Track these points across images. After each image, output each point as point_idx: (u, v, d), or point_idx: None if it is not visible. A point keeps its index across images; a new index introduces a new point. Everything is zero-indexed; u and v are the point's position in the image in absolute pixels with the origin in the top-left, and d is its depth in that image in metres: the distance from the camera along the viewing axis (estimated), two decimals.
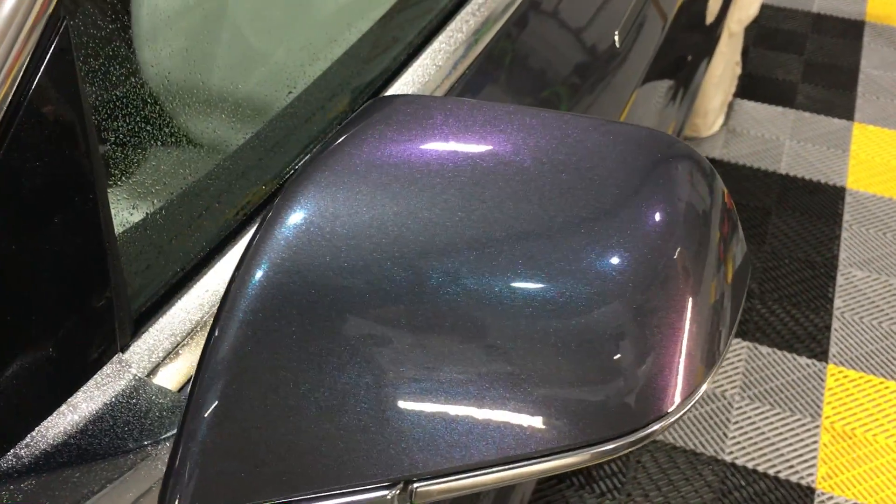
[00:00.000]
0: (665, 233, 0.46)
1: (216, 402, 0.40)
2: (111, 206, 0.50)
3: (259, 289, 0.40)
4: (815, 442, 1.86)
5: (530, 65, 0.92)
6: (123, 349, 0.51)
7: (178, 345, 0.54)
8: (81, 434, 0.47)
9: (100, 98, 0.52)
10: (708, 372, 0.48)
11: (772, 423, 1.90)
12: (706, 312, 0.47)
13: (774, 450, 1.84)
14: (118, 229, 0.54)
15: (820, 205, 2.46)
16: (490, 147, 0.44)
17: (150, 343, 0.53)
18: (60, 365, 0.48)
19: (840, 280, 2.22)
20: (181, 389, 0.52)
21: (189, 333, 0.54)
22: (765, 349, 2.05)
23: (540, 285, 0.43)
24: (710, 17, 2.01)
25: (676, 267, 0.46)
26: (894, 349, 2.04)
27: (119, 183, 0.54)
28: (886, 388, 1.96)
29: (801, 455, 1.83)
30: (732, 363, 2.02)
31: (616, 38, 1.08)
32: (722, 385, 1.96)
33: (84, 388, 0.49)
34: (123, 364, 0.51)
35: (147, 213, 0.55)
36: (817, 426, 1.89)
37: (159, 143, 0.57)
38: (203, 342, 0.55)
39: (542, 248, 0.43)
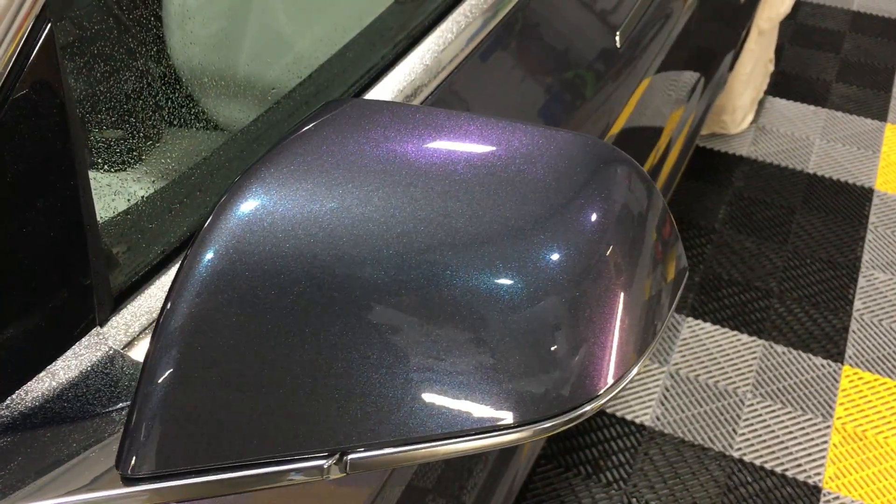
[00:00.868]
0: (598, 231, 0.49)
1: (168, 370, 0.45)
2: (95, 189, 0.55)
3: (206, 271, 0.44)
4: (825, 442, 1.86)
5: (529, 53, 0.95)
6: (102, 324, 0.56)
7: (153, 322, 0.58)
8: (57, 399, 0.52)
9: (84, 89, 0.57)
10: (638, 358, 0.51)
11: (782, 421, 1.91)
12: (639, 305, 0.51)
13: (783, 448, 1.85)
14: (102, 211, 0.58)
15: (846, 205, 2.45)
16: (427, 150, 0.48)
17: (128, 319, 0.57)
18: (41, 335, 0.53)
19: (861, 282, 2.21)
20: None
21: None
22: (780, 348, 2.05)
23: (472, 277, 0.47)
24: (735, 12, 2.01)
25: (608, 263, 0.49)
26: None
27: (103, 167, 0.59)
28: None
29: (809, 454, 1.84)
30: (746, 360, 2.03)
31: (624, 25, 1.10)
32: (734, 382, 1.97)
33: (63, 357, 0.54)
34: (101, 337, 0.55)
35: (130, 197, 0.60)
36: (828, 426, 1.89)
37: (145, 129, 0.62)
38: None
39: (472, 244, 0.46)
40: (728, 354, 2.05)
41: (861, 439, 1.87)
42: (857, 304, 2.16)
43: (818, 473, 1.81)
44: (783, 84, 2.91)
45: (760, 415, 1.92)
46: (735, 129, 2.64)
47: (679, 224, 2.36)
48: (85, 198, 0.53)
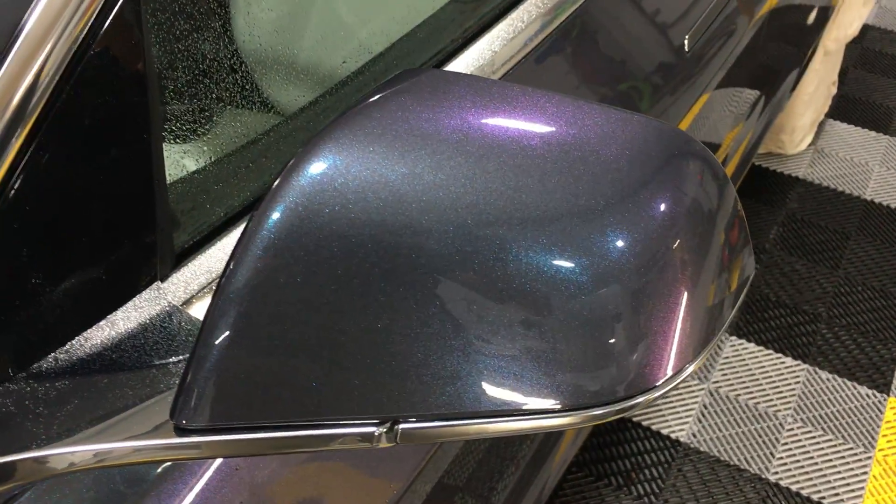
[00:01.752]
0: (667, 222, 0.48)
1: (227, 329, 0.45)
2: (165, 149, 0.55)
3: (273, 229, 0.44)
4: (865, 473, 1.82)
5: (590, 57, 0.95)
6: (163, 279, 0.57)
7: (213, 281, 0.59)
8: (115, 348, 0.52)
9: (164, 47, 0.58)
10: (695, 358, 0.50)
11: (822, 448, 1.87)
12: (701, 307, 0.50)
13: (821, 475, 1.82)
14: (170, 169, 0.59)
15: None
16: (502, 123, 0.48)
17: (188, 277, 0.58)
18: (104, 285, 0.53)
19: None
20: None
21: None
22: (825, 374, 2.01)
23: (537, 256, 0.46)
24: (802, 31, 1.98)
25: (675, 257, 0.48)
26: None
27: (174, 130, 0.60)
28: None
29: (848, 484, 1.80)
30: (788, 384, 1.99)
31: (686, 40, 1.09)
32: (775, 405, 1.94)
33: (123, 308, 0.54)
34: (161, 292, 0.56)
35: (198, 158, 0.61)
36: (869, 457, 1.85)
37: (217, 93, 0.62)
38: None
39: (541, 221, 0.46)
40: (770, 376, 2.01)
41: None
42: None
43: None
44: (845, 108, 2.86)
45: (800, 440, 1.88)
46: (793, 150, 2.60)
47: None
48: (156, 153, 0.53)
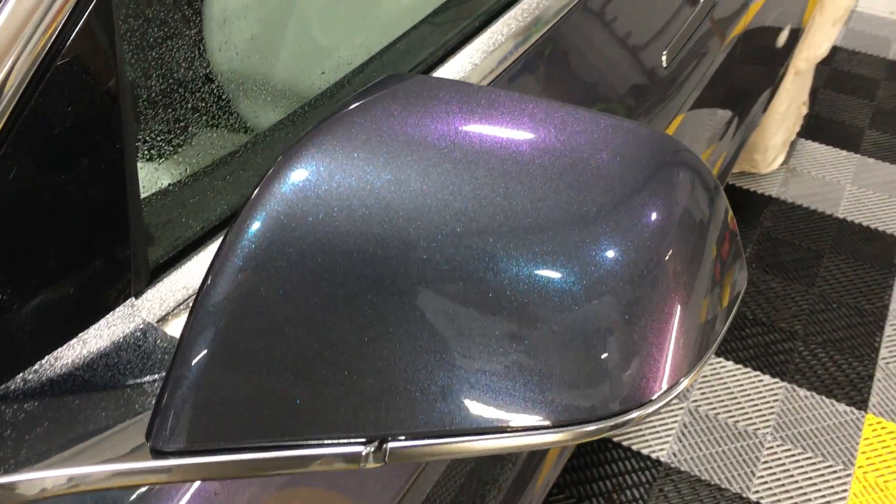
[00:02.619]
0: (659, 232, 0.47)
1: (205, 346, 0.43)
2: (139, 161, 0.53)
3: (253, 239, 0.42)
4: (846, 491, 1.82)
5: (568, 74, 0.94)
6: (137, 295, 0.54)
7: (189, 297, 0.57)
8: (87, 367, 0.50)
9: (137, 54, 0.56)
10: (689, 373, 0.49)
11: (802, 466, 1.86)
12: (694, 323, 0.48)
13: (802, 494, 1.81)
14: (144, 184, 0.57)
15: (875, 252, 2.42)
16: (489, 129, 0.46)
17: (163, 293, 0.56)
18: (74, 302, 0.51)
19: (888, 330, 2.17)
20: None
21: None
22: (803, 392, 2.01)
23: (528, 265, 0.45)
24: (774, 51, 2.00)
25: (667, 269, 0.47)
26: None
27: (148, 141, 0.58)
28: None
29: (829, 502, 1.79)
30: (767, 402, 1.99)
31: (664, 57, 1.08)
32: (754, 423, 1.94)
33: (95, 326, 0.52)
34: (135, 309, 0.54)
35: (173, 173, 0.59)
36: (849, 475, 1.85)
37: (192, 104, 0.60)
38: None
39: (532, 230, 0.44)
40: (749, 395, 2.01)
41: (882, 490, 1.82)
42: (884, 352, 2.11)
43: None
44: (816, 127, 2.89)
45: (780, 458, 1.88)
46: (766, 169, 2.61)
47: None
48: (129, 165, 0.51)
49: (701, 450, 1.88)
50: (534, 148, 0.46)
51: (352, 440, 0.45)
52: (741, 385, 2.03)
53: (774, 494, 1.80)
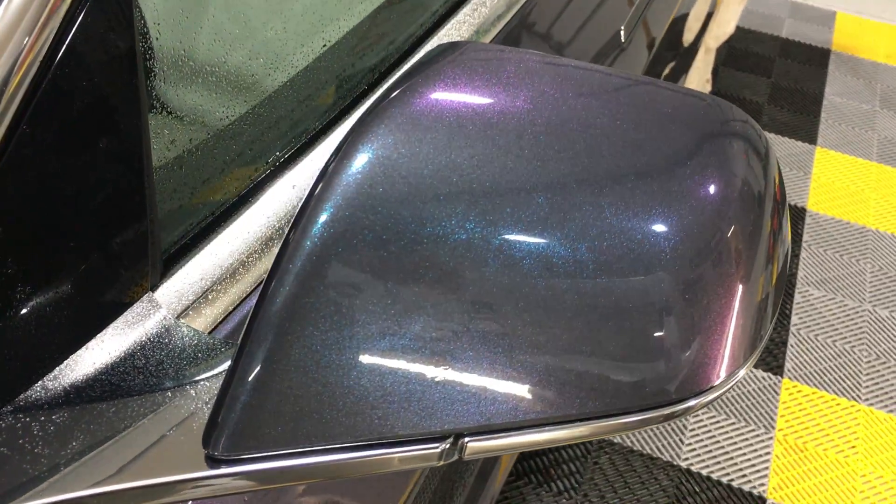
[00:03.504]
0: (719, 207, 0.45)
1: (270, 346, 0.39)
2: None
3: (321, 237, 0.38)
4: (768, 453, 1.89)
5: (545, 48, 0.92)
6: (153, 288, 0.49)
7: (208, 289, 0.52)
8: (113, 371, 0.45)
9: (149, 34, 0.51)
10: (749, 358, 0.48)
11: (727, 432, 1.92)
12: (752, 302, 0.47)
13: (728, 458, 1.87)
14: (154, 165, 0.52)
15: None
16: (549, 96, 0.43)
17: (180, 284, 0.51)
18: (91, 299, 0.46)
19: (797, 298, 2.27)
20: (212, 332, 0.50)
21: (219, 279, 0.52)
22: None
23: (583, 240, 0.42)
24: (691, 34, 2.04)
25: (730, 247, 0.45)
26: (846, 367, 2.09)
27: (158, 121, 0.52)
28: (838, 404, 2.01)
29: (753, 465, 1.86)
30: None
31: (622, 31, 1.08)
32: None
33: (113, 324, 0.47)
34: (154, 304, 0.49)
35: (183, 152, 0.53)
36: (770, 438, 1.92)
37: (196, 87, 0.55)
38: (232, 288, 0.54)
39: (583, 205, 0.42)
40: None
41: (802, 451, 1.90)
42: (795, 319, 2.21)
43: (762, 484, 1.83)
44: None
45: (706, 425, 1.93)
46: None
47: None
48: (146, 142, 0.46)
49: None
50: (607, 119, 0.43)
51: (426, 437, 0.42)
52: None
53: (703, 460, 1.86)
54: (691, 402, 0.46)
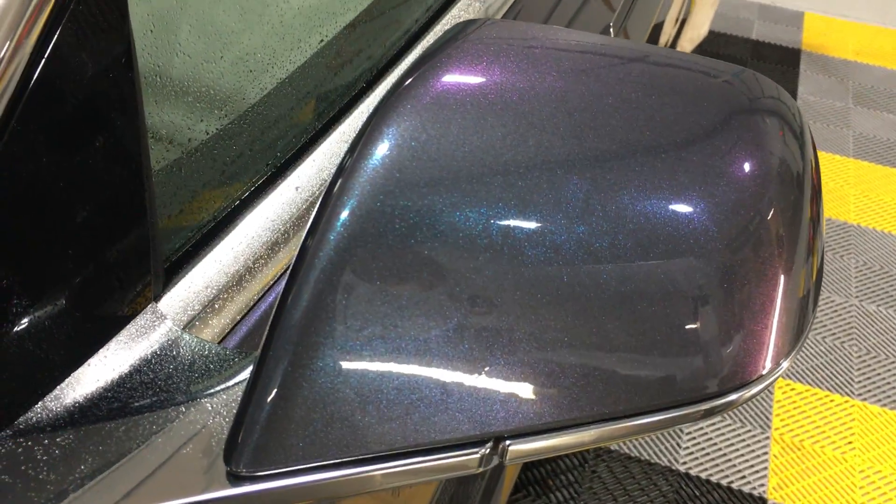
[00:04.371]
0: (757, 186, 0.43)
1: (295, 350, 0.36)
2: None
3: (345, 227, 0.35)
4: (766, 453, 1.87)
5: None
6: (156, 299, 0.46)
7: (214, 298, 0.48)
8: (118, 387, 0.41)
9: (144, 35, 0.47)
10: (790, 352, 0.45)
11: (723, 434, 1.91)
12: (795, 293, 0.44)
13: (727, 461, 1.85)
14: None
15: None
16: (574, 72, 0.41)
17: (185, 294, 0.47)
18: (92, 311, 0.42)
19: None
20: (222, 342, 0.47)
21: (225, 286, 0.49)
22: None
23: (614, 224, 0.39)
24: (667, 38, 2.04)
25: (770, 230, 0.42)
26: (838, 363, 2.08)
27: (155, 125, 0.49)
28: (832, 400, 2.00)
29: (752, 466, 1.84)
30: None
31: (611, 29, 1.06)
32: None
33: (116, 338, 0.43)
34: (158, 315, 0.45)
35: (182, 155, 0.50)
36: (767, 437, 1.90)
37: (194, 90, 0.52)
38: (240, 296, 0.50)
39: (609, 175, 0.39)
40: None
41: (799, 449, 1.89)
42: None
43: (762, 484, 1.81)
44: None
45: (701, 428, 1.91)
46: None
47: None
48: (143, 142, 0.43)
49: None
50: (621, 89, 0.41)
51: (462, 441, 0.39)
52: None
53: (701, 463, 1.84)
54: (740, 394, 0.44)
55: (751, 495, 1.79)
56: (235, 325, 0.49)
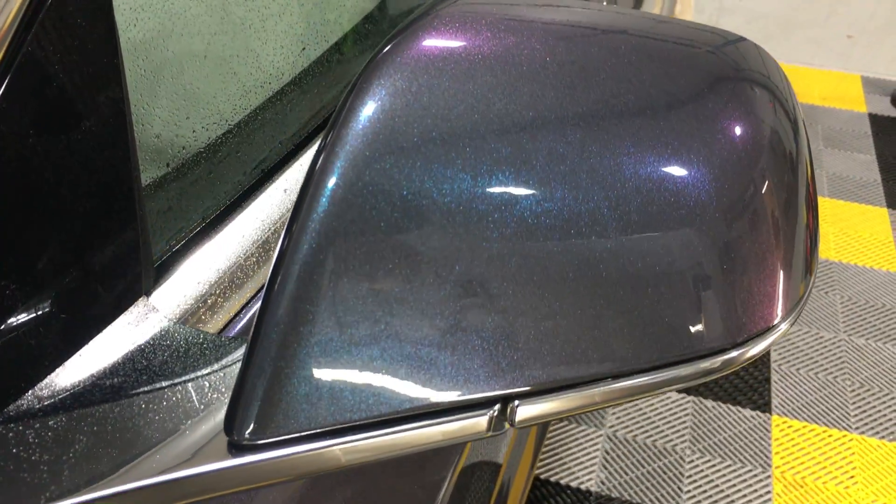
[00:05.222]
0: (750, 156, 0.42)
1: (292, 321, 0.35)
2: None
3: (342, 183, 0.35)
4: (769, 492, 1.84)
5: None
6: (147, 293, 0.45)
7: (206, 293, 0.47)
8: (111, 374, 0.40)
9: (129, 30, 0.48)
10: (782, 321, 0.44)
11: (724, 475, 1.88)
12: (801, 232, 0.43)
13: (729, 501, 1.82)
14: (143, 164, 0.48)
15: None
16: (563, 35, 0.41)
17: (177, 290, 0.46)
18: (82, 302, 0.41)
19: None
20: (221, 332, 0.46)
21: (216, 283, 0.48)
22: (709, 402, 2.05)
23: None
24: None
25: (766, 205, 0.41)
26: (833, 398, 2.07)
27: (145, 123, 0.49)
28: (830, 435, 1.98)
29: None
30: (679, 418, 2.00)
31: None
32: (671, 439, 1.94)
33: (108, 329, 0.42)
34: (149, 307, 0.44)
35: (170, 157, 0.50)
36: (768, 476, 1.88)
37: (186, 88, 0.52)
38: (227, 293, 0.50)
39: (599, 140, 0.39)
40: (661, 413, 2.02)
41: (802, 486, 1.86)
42: (774, 355, 2.19)
43: None
44: None
45: (702, 470, 1.88)
46: None
47: None
48: (131, 136, 0.43)
49: (627, 473, 1.86)
50: (610, 49, 0.41)
51: (466, 403, 0.38)
52: (651, 404, 2.04)
53: None
54: (755, 345, 0.43)
55: None
56: (228, 322, 0.48)
